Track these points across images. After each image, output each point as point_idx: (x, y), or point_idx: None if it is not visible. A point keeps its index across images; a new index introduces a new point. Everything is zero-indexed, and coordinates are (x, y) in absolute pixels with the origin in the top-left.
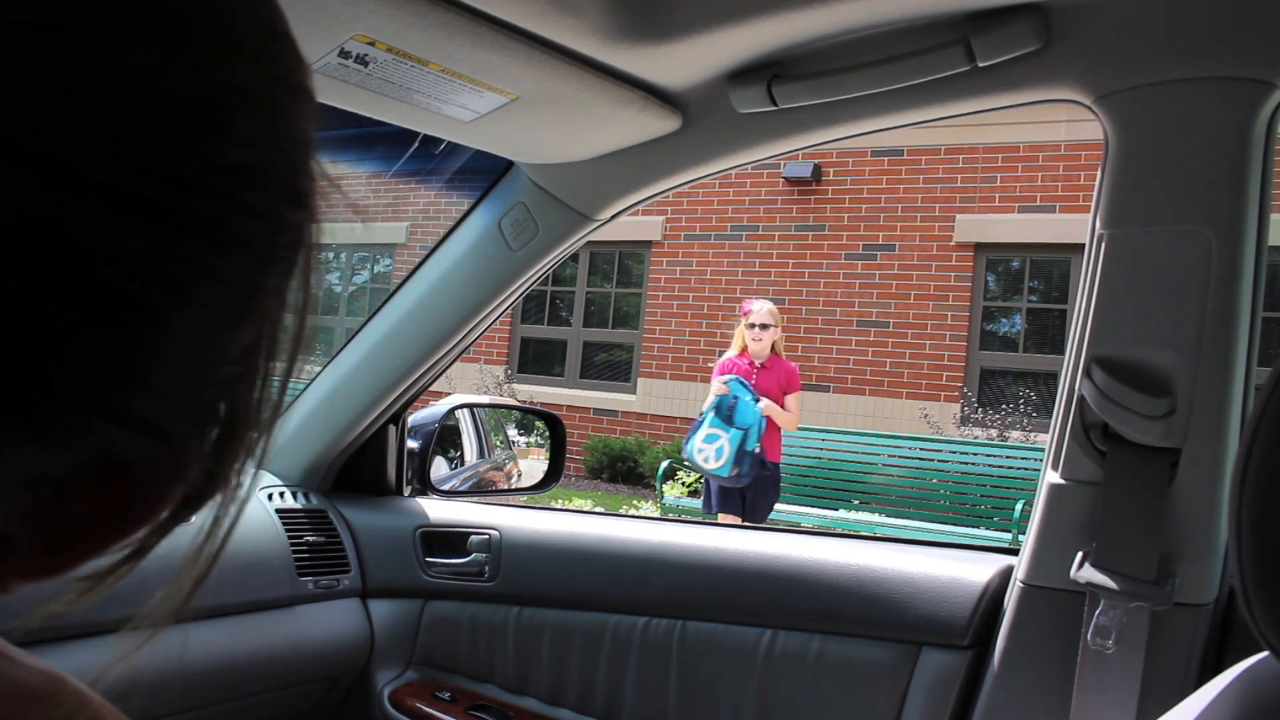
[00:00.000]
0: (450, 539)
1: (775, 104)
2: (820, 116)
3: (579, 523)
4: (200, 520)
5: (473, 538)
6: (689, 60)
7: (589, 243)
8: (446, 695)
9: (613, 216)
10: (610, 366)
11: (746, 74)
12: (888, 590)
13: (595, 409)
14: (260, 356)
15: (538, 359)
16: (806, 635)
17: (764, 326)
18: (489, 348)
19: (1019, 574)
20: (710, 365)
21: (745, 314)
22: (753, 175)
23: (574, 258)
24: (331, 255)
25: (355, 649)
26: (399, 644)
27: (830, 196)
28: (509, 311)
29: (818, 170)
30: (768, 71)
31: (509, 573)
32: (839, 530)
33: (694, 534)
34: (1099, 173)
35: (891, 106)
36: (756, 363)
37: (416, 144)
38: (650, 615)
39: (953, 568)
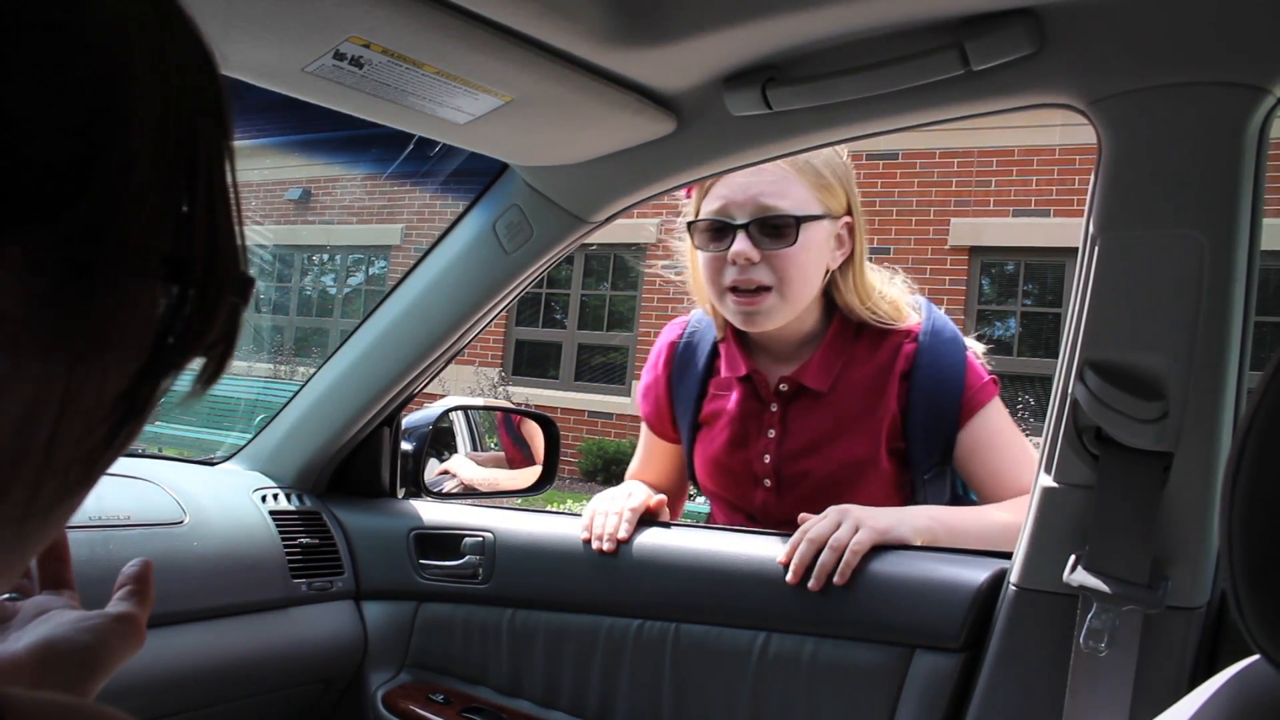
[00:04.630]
0: (444, 541)
1: (770, 107)
2: (815, 120)
3: (573, 525)
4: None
5: (466, 540)
6: (684, 63)
7: (584, 245)
8: (440, 697)
9: (608, 219)
10: (605, 369)
11: (741, 77)
12: (881, 593)
13: (590, 411)
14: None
15: (532, 361)
16: (800, 638)
17: (776, 227)
18: (484, 350)
19: (1012, 577)
20: None
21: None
22: None
23: (569, 260)
24: (327, 257)
25: (349, 651)
26: (393, 646)
27: None
28: (504, 313)
29: None
30: (762, 75)
31: (503, 575)
32: None
33: (688, 536)
34: (1092, 177)
35: (886, 110)
36: (769, 382)
37: (411, 146)
38: (644, 618)
39: (946, 571)
